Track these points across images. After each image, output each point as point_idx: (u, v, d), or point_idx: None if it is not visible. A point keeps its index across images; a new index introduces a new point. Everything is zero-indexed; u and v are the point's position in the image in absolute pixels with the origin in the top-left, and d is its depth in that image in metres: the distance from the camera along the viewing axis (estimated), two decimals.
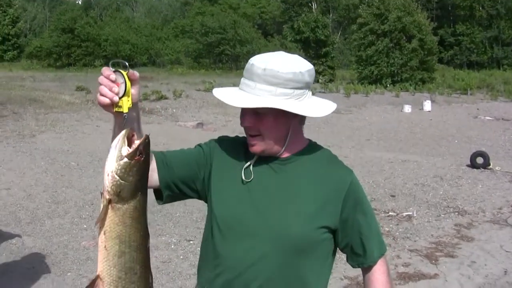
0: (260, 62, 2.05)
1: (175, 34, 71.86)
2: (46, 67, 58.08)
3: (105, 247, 1.79)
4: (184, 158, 2.25)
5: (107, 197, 1.75)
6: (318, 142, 2.29)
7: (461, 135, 19.08)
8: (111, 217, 1.77)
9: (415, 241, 7.70)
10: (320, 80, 41.71)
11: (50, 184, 9.81)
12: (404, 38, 47.64)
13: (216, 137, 2.37)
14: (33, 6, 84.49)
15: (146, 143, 1.79)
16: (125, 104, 1.87)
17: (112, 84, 1.83)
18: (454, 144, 17.07)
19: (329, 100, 2.24)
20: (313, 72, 2.15)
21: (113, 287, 1.82)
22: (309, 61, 2.19)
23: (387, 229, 8.20)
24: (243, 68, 2.13)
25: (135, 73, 1.88)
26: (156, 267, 6.25)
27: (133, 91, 1.89)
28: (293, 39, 56.83)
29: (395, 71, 47.14)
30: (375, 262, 2.20)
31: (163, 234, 7.39)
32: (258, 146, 2.10)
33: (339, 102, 17.51)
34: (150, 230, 2.03)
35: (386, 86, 44.36)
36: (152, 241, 7.02)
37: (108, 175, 1.75)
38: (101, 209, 1.77)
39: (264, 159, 2.17)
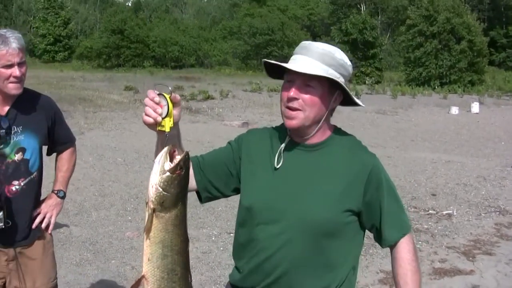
0: (317, 43, 2.25)
1: (223, 36, 72.28)
2: (96, 67, 59.10)
3: (150, 251, 2.03)
4: (216, 159, 2.45)
5: (152, 206, 1.98)
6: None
7: (509, 137, 18.82)
8: (155, 224, 2.00)
9: (453, 238, 7.74)
10: (367, 82, 41.51)
11: (97, 179, 10.13)
12: (453, 39, 47.04)
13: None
14: (84, 8, 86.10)
15: (186, 158, 2.00)
16: (167, 124, 2.06)
17: (156, 106, 2.03)
18: (501, 146, 16.88)
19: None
20: (352, 68, 2.33)
21: (156, 286, 2.05)
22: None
23: (426, 226, 8.26)
24: None
25: (177, 96, 2.07)
26: (196, 257, 6.46)
27: (174, 112, 2.08)
28: (341, 40, 56.58)
29: (444, 72, 46.60)
30: (396, 242, 2.33)
31: (205, 227, 7.60)
32: (296, 120, 2.22)
33: (385, 104, 17.66)
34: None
35: (434, 88, 43.90)
36: (193, 233, 7.26)
37: (152, 187, 1.97)
38: (146, 217, 2.00)
39: (293, 145, 2.31)
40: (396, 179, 11.17)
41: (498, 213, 9.12)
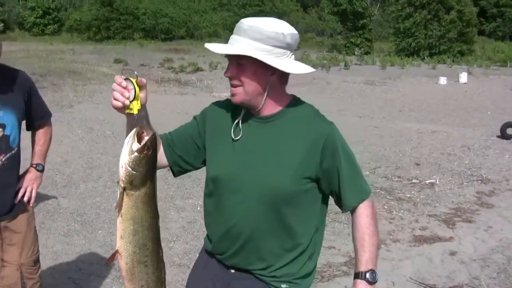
0: (248, 20, 2.32)
1: (213, 7, 71.75)
2: (86, 40, 58.69)
3: (122, 227, 2.17)
4: (183, 134, 2.58)
5: (122, 185, 2.10)
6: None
7: (495, 107, 19.02)
8: (126, 202, 2.13)
9: (435, 207, 7.92)
10: (356, 52, 41.51)
11: (86, 151, 10.24)
12: (443, 9, 46.99)
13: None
14: None
15: (153, 139, 2.11)
16: (135, 107, 2.17)
17: (124, 90, 2.13)
18: (487, 116, 17.06)
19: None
20: (297, 37, 2.37)
21: (129, 260, 2.21)
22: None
23: (408, 195, 8.43)
24: None
25: (143, 80, 2.18)
26: (182, 226, 6.62)
27: (141, 95, 2.18)
28: (330, 11, 56.48)
29: (433, 43, 46.66)
30: (354, 206, 2.46)
31: (191, 197, 7.73)
32: (238, 96, 2.34)
33: (374, 74, 17.77)
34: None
35: (424, 58, 44.00)
36: (180, 203, 7.42)
37: (122, 167, 2.09)
38: (118, 196, 2.12)
39: (250, 118, 2.43)
40: (381, 149, 11.38)
41: (480, 181, 9.30)
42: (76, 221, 6.72)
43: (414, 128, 14.28)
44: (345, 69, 31.83)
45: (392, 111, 17.59)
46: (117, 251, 2.20)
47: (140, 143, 2.08)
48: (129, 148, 2.08)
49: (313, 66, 27.05)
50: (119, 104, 2.15)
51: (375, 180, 9.14)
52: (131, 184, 2.10)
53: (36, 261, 3.62)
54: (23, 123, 3.55)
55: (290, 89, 2.44)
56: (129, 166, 2.08)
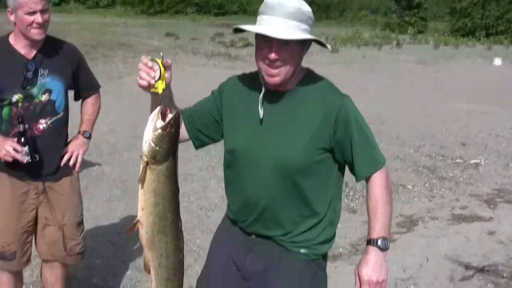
0: (285, 1, 2.33)
1: None
2: (139, 13, 59.07)
3: (144, 199, 2.31)
4: (202, 109, 2.70)
5: (145, 159, 2.25)
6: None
7: None
8: (148, 176, 2.27)
9: (477, 187, 7.84)
10: (409, 31, 40.80)
11: (132, 121, 10.40)
12: None
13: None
14: None
15: (176, 117, 2.22)
16: (160, 86, 2.31)
17: (150, 70, 2.27)
18: None
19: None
20: None
21: (150, 229, 2.36)
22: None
23: (451, 174, 8.37)
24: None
25: (168, 61, 2.31)
26: (221, 196, 6.70)
27: (166, 75, 2.31)
28: None
29: (490, 23, 45.45)
30: (367, 176, 2.52)
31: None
32: (279, 77, 2.38)
33: (426, 54, 17.51)
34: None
35: (480, 39, 42.92)
36: (220, 174, 7.44)
37: (145, 143, 2.22)
38: (140, 169, 2.26)
39: (269, 95, 2.49)
40: (427, 128, 11.26)
41: None
42: (118, 188, 6.88)
43: (463, 108, 14.02)
44: (397, 47, 31.31)
45: (442, 90, 17.27)
46: (138, 221, 2.35)
47: (164, 121, 2.19)
48: (153, 125, 2.20)
49: (365, 44, 26.86)
50: (145, 83, 2.27)
51: (418, 159, 9.09)
52: (154, 159, 2.23)
53: (80, 224, 3.78)
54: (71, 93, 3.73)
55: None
56: (152, 142, 2.20)
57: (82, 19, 37.07)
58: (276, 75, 2.37)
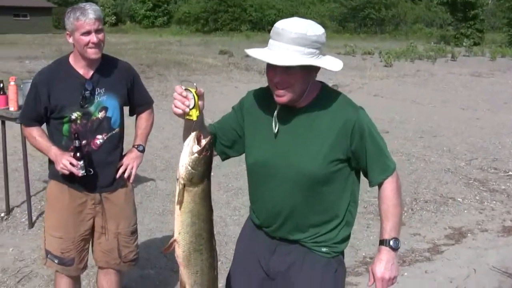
0: (289, 26, 2.46)
1: None
2: (194, 32, 60.08)
3: (180, 219, 2.45)
4: (225, 125, 2.87)
5: (182, 182, 2.38)
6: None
7: None
8: (185, 197, 2.41)
9: None
10: (464, 43, 40.30)
11: None
12: None
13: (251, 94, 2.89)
14: None
15: (210, 142, 2.39)
16: (194, 114, 2.43)
17: (184, 99, 2.41)
18: None
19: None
20: (325, 35, 2.55)
21: (186, 248, 2.49)
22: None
23: (503, 187, 8.31)
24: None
25: (201, 90, 2.45)
26: None
27: (200, 103, 2.44)
28: (439, 1, 55.12)
29: None
30: (379, 183, 2.70)
31: None
32: (285, 97, 2.53)
33: (482, 66, 17.31)
34: None
35: None
36: None
37: (182, 166, 2.36)
38: (177, 192, 2.40)
39: (285, 111, 2.64)
40: (480, 141, 11.20)
41: None
42: (171, 202, 7.09)
43: None
44: (452, 60, 31.10)
45: (497, 103, 17.07)
46: (175, 240, 2.48)
47: (199, 145, 2.34)
48: (189, 150, 2.34)
49: (419, 57, 26.60)
50: (180, 111, 2.41)
51: (470, 171, 9.06)
52: (191, 181, 2.37)
53: (133, 232, 3.99)
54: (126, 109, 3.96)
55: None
56: (189, 165, 2.34)
57: (138, 39, 37.96)
58: (282, 95, 2.53)
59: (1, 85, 5.99)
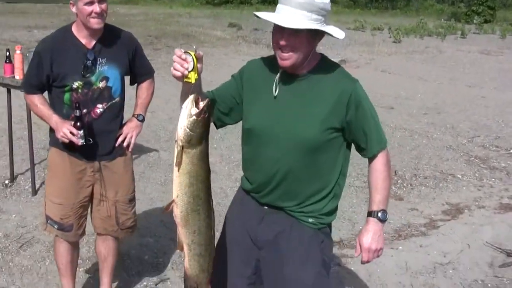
0: None
1: None
2: (205, 4, 59.51)
3: (179, 180, 2.54)
4: (224, 92, 2.92)
5: (180, 144, 2.46)
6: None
7: None
8: (184, 159, 2.49)
9: None
10: (475, 21, 39.95)
11: None
12: None
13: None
14: None
15: (208, 105, 2.45)
16: (193, 76, 2.49)
17: (183, 62, 2.47)
18: None
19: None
20: (330, 4, 2.64)
21: (184, 208, 2.60)
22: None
23: (503, 165, 8.38)
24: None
25: (200, 53, 2.51)
26: None
27: (198, 66, 2.51)
28: None
29: None
30: (375, 154, 2.79)
31: None
32: (289, 61, 2.61)
33: (491, 44, 17.20)
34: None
35: None
36: None
37: (181, 129, 2.44)
38: (175, 153, 2.49)
39: (286, 75, 2.72)
40: (483, 119, 11.24)
41: None
42: (173, 172, 7.18)
43: None
44: (461, 38, 30.81)
45: (504, 81, 16.98)
46: (173, 201, 2.58)
47: (197, 108, 2.41)
48: (187, 112, 2.41)
49: (428, 34, 26.40)
50: (179, 74, 2.47)
51: (471, 149, 9.11)
52: (189, 143, 2.44)
53: (131, 200, 4.09)
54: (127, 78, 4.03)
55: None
56: (187, 127, 2.41)
57: (148, 10, 37.75)
58: (286, 59, 2.61)
59: (8, 53, 6.09)
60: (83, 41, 3.70)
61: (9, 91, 6.26)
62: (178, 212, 2.58)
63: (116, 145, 3.90)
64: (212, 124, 2.72)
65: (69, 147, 3.71)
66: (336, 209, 2.91)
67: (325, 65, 2.75)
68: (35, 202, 5.99)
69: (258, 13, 2.66)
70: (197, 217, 2.61)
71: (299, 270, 2.83)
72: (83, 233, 4.05)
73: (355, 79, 2.74)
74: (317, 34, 2.61)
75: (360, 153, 2.83)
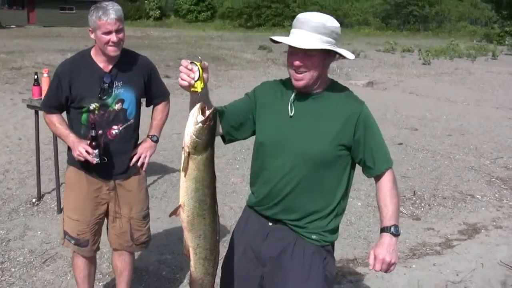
0: (311, 17, 2.76)
1: None
2: (237, 27, 60.22)
3: (185, 185, 2.67)
4: (237, 108, 3.06)
5: (187, 150, 2.59)
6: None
7: None
8: (190, 165, 2.62)
9: None
10: (507, 42, 39.68)
11: None
12: None
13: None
14: None
15: (214, 113, 2.59)
16: (199, 86, 2.63)
17: (189, 72, 2.60)
18: None
19: None
20: (340, 29, 2.84)
21: (190, 213, 2.72)
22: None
23: None
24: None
25: (205, 63, 2.65)
26: None
27: (204, 76, 2.65)
28: None
29: None
30: (382, 173, 2.92)
31: None
32: (304, 81, 2.80)
33: None
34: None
35: None
36: None
37: (187, 135, 2.57)
38: (182, 159, 2.61)
39: (299, 95, 2.90)
40: (508, 140, 11.25)
41: None
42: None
43: None
44: (492, 59, 30.73)
45: None
46: (180, 206, 2.70)
47: (203, 116, 2.54)
48: (194, 120, 2.54)
49: (459, 56, 26.28)
50: (186, 83, 2.61)
51: (493, 170, 9.13)
52: (195, 149, 2.57)
53: (145, 217, 4.26)
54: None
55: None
56: (194, 134, 2.54)
57: (181, 33, 38.32)
58: (300, 79, 2.79)
59: (36, 76, 6.37)
60: (101, 65, 3.89)
61: (37, 113, 6.53)
62: (184, 217, 2.70)
63: (131, 164, 4.08)
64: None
65: (85, 166, 3.91)
66: (337, 228, 3.02)
67: (335, 87, 2.94)
68: (60, 220, 6.17)
69: (274, 37, 2.86)
70: (203, 222, 2.72)
71: (301, 285, 2.94)
72: (98, 248, 4.24)
73: (362, 101, 2.93)
74: (329, 56, 2.79)
75: (366, 173, 2.96)
